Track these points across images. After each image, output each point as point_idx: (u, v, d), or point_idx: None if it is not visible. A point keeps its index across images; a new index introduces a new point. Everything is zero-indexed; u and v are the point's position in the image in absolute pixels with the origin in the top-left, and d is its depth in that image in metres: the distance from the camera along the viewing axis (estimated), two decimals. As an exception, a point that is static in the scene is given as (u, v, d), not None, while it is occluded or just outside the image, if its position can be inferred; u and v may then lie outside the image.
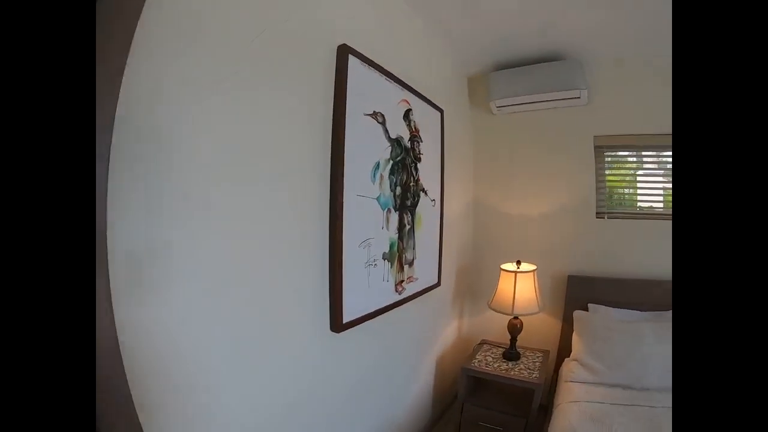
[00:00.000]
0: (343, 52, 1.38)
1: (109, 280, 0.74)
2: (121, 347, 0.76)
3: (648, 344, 1.83)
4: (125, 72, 0.74)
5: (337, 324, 1.40)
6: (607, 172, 2.37)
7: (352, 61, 1.41)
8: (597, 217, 2.31)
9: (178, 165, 0.93)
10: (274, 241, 1.19)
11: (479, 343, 2.39)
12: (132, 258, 0.84)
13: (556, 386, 1.98)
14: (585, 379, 1.87)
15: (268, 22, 1.14)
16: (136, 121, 0.83)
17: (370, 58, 1.52)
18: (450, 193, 2.31)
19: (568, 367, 1.97)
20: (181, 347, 0.96)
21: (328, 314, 1.40)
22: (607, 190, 2.38)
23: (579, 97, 2.24)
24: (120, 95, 0.74)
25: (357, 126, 1.44)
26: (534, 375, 1.98)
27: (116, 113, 0.72)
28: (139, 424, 0.80)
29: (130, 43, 0.76)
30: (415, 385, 2.10)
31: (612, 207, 2.37)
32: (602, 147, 2.34)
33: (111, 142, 0.71)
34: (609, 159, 2.38)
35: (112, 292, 0.75)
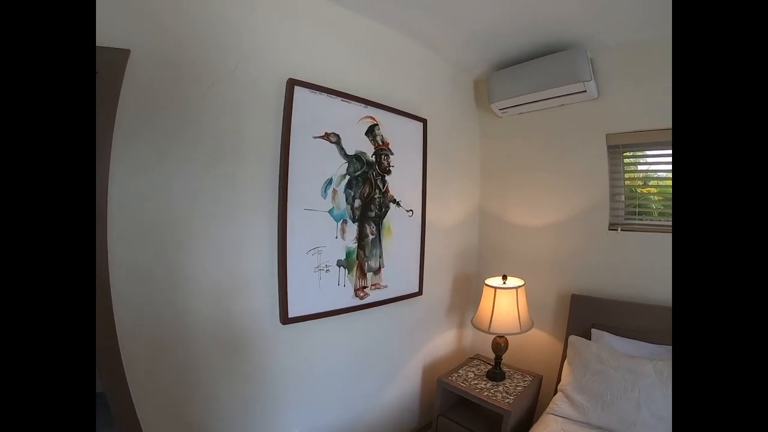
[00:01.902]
0: (290, 84, 1.60)
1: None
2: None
3: (646, 386, 1.55)
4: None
5: (284, 317, 1.64)
6: (625, 176, 2.04)
7: (300, 91, 1.62)
8: (609, 229, 2.01)
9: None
10: (241, 247, 1.53)
11: (472, 357, 2.31)
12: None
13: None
14: (567, 414, 1.69)
15: (222, 72, 1.45)
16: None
17: (325, 84, 1.71)
18: (444, 201, 2.30)
19: (554, 398, 1.81)
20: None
21: (278, 309, 1.65)
22: (623, 197, 2.05)
23: (585, 91, 1.98)
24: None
25: (305, 148, 1.65)
26: (508, 400, 1.85)
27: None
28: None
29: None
30: (391, 390, 2.16)
31: (628, 217, 2.03)
32: (617, 146, 2.02)
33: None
34: (626, 161, 2.04)
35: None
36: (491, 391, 1.94)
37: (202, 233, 1.43)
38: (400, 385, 2.22)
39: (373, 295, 1.95)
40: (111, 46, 1.29)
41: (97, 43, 1.28)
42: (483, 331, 1.97)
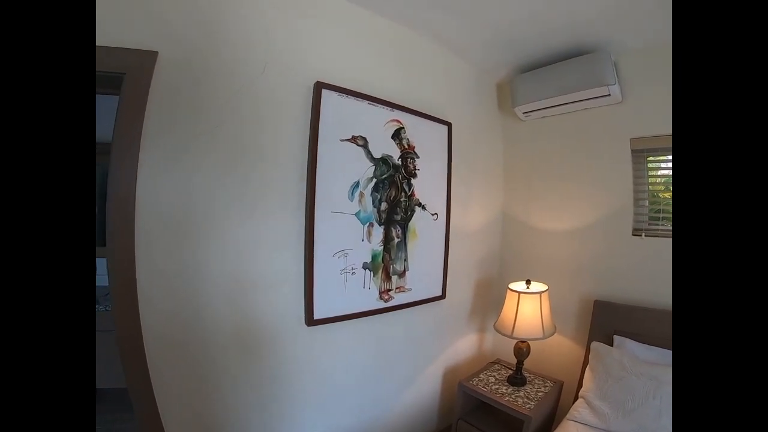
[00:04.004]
0: (318, 88, 1.61)
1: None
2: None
3: (667, 393, 1.53)
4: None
5: (309, 319, 1.65)
6: (649, 181, 2.04)
7: (327, 94, 1.63)
8: (633, 235, 2.00)
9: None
10: (268, 249, 1.55)
11: (492, 362, 2.31)
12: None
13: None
14: (587, 421, 1.68)
15: (251, 74, 1.47)
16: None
17: (352, 87, 1.72)
18: (467, 205, 2.30)
19: (575, 404, 1.80)
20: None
21: (303, 310, 1.66)
22: (647, 203, 2.05)
23: (609, 95, 1.97)
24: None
25: (332, 151, 1.66)
26: (529, 405, 1.85)
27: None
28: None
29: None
30: (411, 393, 2.16)
31: (652, 222, 2.03)
32: (641, 151, 2.02)
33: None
34: (649, 165, 2.03)
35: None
36: (512, 396, 1.93)
37: (228, 233, 1.44)
38: (421, 389, 2.22)
39: (398, 299, 1.95)
40: (139, 48, 1.31)
41: (126, 46, 1.31)
42: (506, 336, 1.97)
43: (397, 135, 1.91)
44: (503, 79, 2.50)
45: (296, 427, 1.70)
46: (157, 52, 1.31)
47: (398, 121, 1.91)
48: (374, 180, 1.81)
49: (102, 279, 2.73)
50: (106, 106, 2.83)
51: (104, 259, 2.83)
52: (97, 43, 1.27)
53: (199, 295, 1.39)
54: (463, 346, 2.44)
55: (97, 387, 2.57)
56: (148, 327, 1.30)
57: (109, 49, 1.30)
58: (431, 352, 2.25)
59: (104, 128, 2.83)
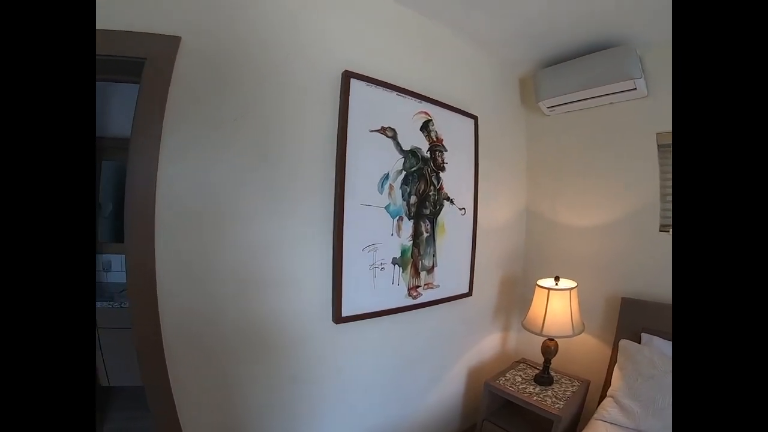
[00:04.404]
0: (346, 77, 1.56)
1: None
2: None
3: None
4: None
5: (337, 316, 1.59)
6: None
7: (356, 84, 1.58)
8: (660, 231, 1.97)
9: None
10: (293, 242, 1.49)
11: (517, 361, 2.26)
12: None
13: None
14: (617, 420, 1.64)
15: (277, 62, 1.42)
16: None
17: (380, 77, 1.67)
18: (492, 201, 2.26)
19: (603, 403, 1.76)
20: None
21: (331, 307, 1.60)
22: None
23: (635, 89, 1.94)
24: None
25: (362, 142, 1.60)
26: (558, 405, 1.80)
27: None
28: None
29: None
30: (436, 393, 2.12)
31: None
32: (667, 146, 1.97)
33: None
34: None
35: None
36: (540, 395, 1.89)
37: (252, 227, 1.39)
38: (445, 388, 2.17)
39: (426, 295, 1.90)
40: (161, 33, 1.26)
41: (147, 30, 1.24)
42: (534, 334, 1.92)
43: (426, 127, 1.86)
44: (526, 73, 2.47)
45: (319, 428, 1.65)
46: (180, 38, 1.25)
47: (426, 113, 1.86)
48: (403, 172, 1.76)
49: (118, 275, 2.68)
50: (124, 94, 2.75)
51: (121, 256, 2.76)
52: (117, 27, 1.21)
53: (221, 291, 1.34)
54: (487, 345, 2.40)
55: (112, 384, 2.51)
56: (167, 324, 1.24)
57: (129, 34, 1.24)
58: (456, 351, 2.20)
59: (122, 120, 2.75)
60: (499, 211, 2.34)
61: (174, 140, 1.22)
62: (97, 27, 1.21)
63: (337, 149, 1.56)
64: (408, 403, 1.98)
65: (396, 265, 1.76)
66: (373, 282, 1.68)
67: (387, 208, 1.70)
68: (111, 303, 2.35)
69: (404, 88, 1.76)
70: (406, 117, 1.79)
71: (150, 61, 1.26)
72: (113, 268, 2.71)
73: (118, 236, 2.75)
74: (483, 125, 2.17)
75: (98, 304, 2.32)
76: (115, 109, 2.64)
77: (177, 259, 1.25)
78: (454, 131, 1.99)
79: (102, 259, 2.70)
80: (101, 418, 2.41)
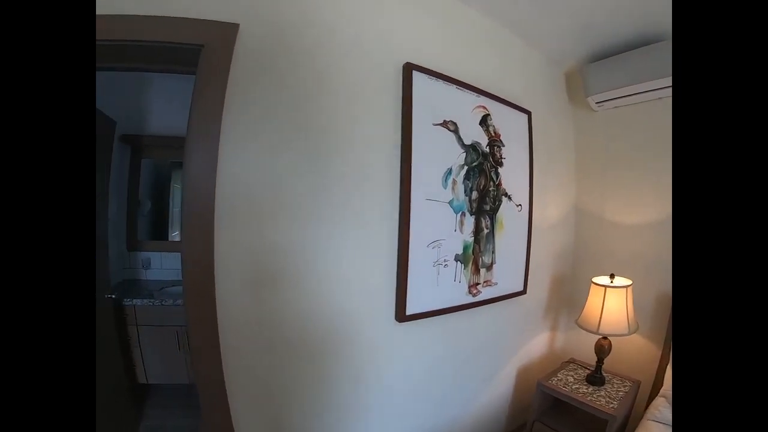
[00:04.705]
0: (408, 69, 1.53)
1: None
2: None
3: None
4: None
5: (400, 315, 1.55)
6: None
7: (417, 76, 1.55)
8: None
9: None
10: (355, 238, 1.45)
11: (567, 361, 2.19)
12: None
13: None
14: (670, 420, 1.57)
15: (336, 52, 1.39)
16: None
17: (439, 71, 1.63)
18: (544, 198, 2.20)
19: (655, 403, 1.70)
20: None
21: (394, 305, 1.56)
22: None
23: None
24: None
25: (426, 135, 1.57)
26: (612, 405, 1.74)
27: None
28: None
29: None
30: (487, 393, 2.07)
31: None
32: None
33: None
34: None
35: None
36: (593, 395, 1.83)
37: (313, 222, 1.35)
38: (495, 388, 2.11)
39: (485, 293, 1.85)
40: (220, 20, 1.23)
41: (207, 17, 1.22)
42: (590, 332, 1.85)
43: (484, 122, 1.82)
44: (572, 68, 2.41)
45: (374, 429, 1.61)
46: (238, 25, 1.22)
47: (484, 108, 1.82)
48: (465, 167, 1.72)
49: (157, 273, 2.68)
50: (161, 93, 2.76)
51: (160, 254, 2.75)
52: (172, 13, 1.20)
53: (279, 289, 1.31)
54: (536, 344, 2.33)
55: (150, 382, 2.52)
56: (223, 322, 1.21)
57: (185, 20, 1.22)
58: (508, 351, 2.15)
59: (160, 119, 2.77)
60: (551, 207, 2.28)
61: (233, 132, 1.20)
62: (151, 13, 1.20)
63: (401, 143, 1.53)
64: (462, 404, 1.94)
65: (458, 262, 1.71)
66: (436, 279, 1.64)
67: (450, 203, 1.66)
68: (152, 300, 2.35)
69: (463, 82, 1.72)
70: (466, 111, 1.75)
71: (208, 48, 1.22)
72: (152, 265, 2.72)
73: (155, 234, 2.77)
74: (534, 120, 2.12)
75: (138, 302, 2.33)
76: (153, 107, 2.66)
77: (234, 256, 1.22)
78: (509, 126, 1.95)
79: (141, 256, 2.71)
80: (138, 415, 2.41)
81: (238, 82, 1.20)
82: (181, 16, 1.16)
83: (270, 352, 1.31)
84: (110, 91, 2.24)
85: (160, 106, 2.59)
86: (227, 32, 1.24)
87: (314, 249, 1.35)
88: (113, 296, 2.05)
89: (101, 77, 1.95)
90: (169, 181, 2.76)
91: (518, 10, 1.84)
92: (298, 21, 1.30)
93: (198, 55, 1.27)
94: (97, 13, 1.14)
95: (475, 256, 1.78)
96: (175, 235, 2.73)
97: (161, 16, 1.20)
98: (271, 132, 1.26)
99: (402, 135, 1.53)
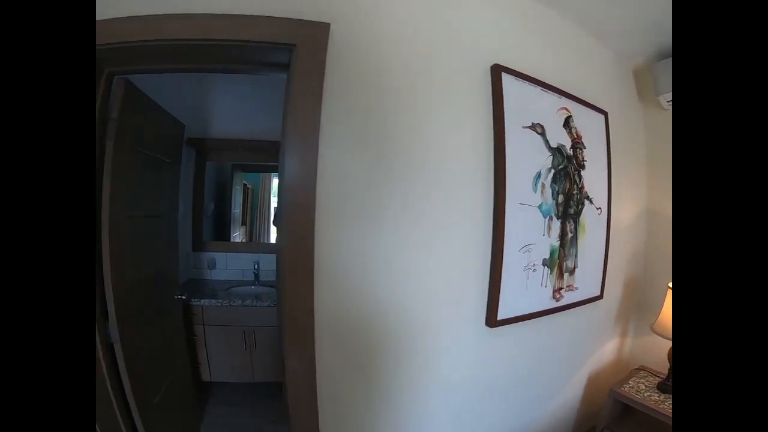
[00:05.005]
0: (496, 71, 1.51)
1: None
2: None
3: None
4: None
5: (491, 320, 1.54)
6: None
7: (506, 78, 1.53)
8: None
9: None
10: (447, 242, 1.45)
11: (636, 369, 2.14)
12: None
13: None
14: None
15: (429, 55, 1.39)
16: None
17: (524, 72, 1.60)
18: (618, 200, 2.16)
19: None
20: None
21: (485, 310, 1.56)
22: None
23: None
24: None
25: (517, 139, 1.55)
26: None
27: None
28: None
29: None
30: (558, 399, 2.04)
31: None
32: None
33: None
34: None
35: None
36: (666, 404, 1.79)
37: (403, 226, 1.35)
38: (566, 395, 2.08)
39: (566, 298, 1.82)
40: (308, 19, 1.22)
41: (297, 16, 1.21)
42: (667, 339, 1.81)
43: (567, 123, 1.79)
44: (641, 65, 2.35)
45: None
46: (329, 24, 1.21)
47: (567, 109, 1.79)
48: (552, 171, 1.69)
49: (222, 273, 2.71)
50: (223, 98, 2.78)
51: (226, 254, 2.77)
52: (260, 12, 1.19)
53: (373, 291, 1.32)
54: (607, 350, 2.29)
55: (213, 380, 2.57)
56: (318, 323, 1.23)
57: (276, 19, 1.21)
58: (581, 356, 2.12)
59: (222, 122, 2.81)
60: (625, 210, 2.24)
61: (329, 132, 1.21)
62: (240, 12, 1.20)
63: (494, 146, 1.51)
64: (534, 410, 1.93)
65: (545, 266, 1.69)
66: (525, 284, 1.62)
67: (540, 207, 1.64)
68: (220, 301, 2.37)
69: (546, 83, 1.69)
70: (550, 113, 1.72)
71: (301, 47, 1.22)
72: (218, 266, 2.76)
73: (218, 234, 2.80)
74: (609, 121, 2.08)
75: (204, 302, 2.37)
76: (214, 110, 2.68)
77: (332, 252, 1.24)
78: (589, 127, 1.91)
79: (206, 257, 2.74)
80: (200, 413, 2.45)
81: (331, 83, 1.21)
82: (270, 15, 1.18)
83: (360, 354, 1.33)
84: (176, 94, 2.26)
85: (223, 108, 2.62)
86: (319, 31, 1.24)
87: (406, 253, 1.37)
88: (183, 297, 2.08)
89: (168, 81, 1.97)
90: (230, 182, 2.79)
91: (590, 7, 1.79)
92: (385, 21, 1.30)
93: (266, 54, 1.32)
94: (188, 12, 1.17)
95: (560, 260, 1.76)
96: (236, 235, 2.77)
97: (251, 15, 1.21)
98: (364, 135, 1.27)
99: (495, 139, 1.51)
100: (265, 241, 2.89)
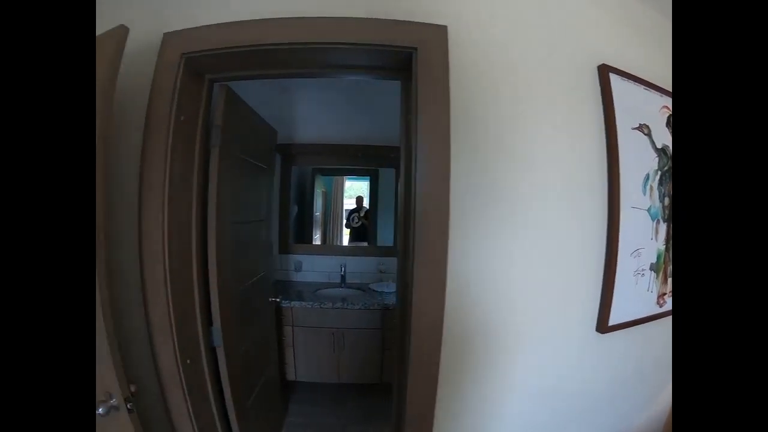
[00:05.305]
0: (604, 71, 1.48)
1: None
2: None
3: None
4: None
5: (602, 326, 1.51)
6: None
7: (613, 78, 1.50)
8: None
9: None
10: (561, 247, 1.46)
11: None
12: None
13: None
14: None
15: (537, 57, 1.39)
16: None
17: (627, 70, 1.56)
18: (709, 201, 2.09)
19: None
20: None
21: (596, 315, 1.53)
22: None
23: None
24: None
25: (626, 140, 1.52)
26: None
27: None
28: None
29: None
30: (648, 411, 1.97)
31: None
32: None
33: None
34: None
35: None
36: None
37: (517, 230, 1.37)
38: (655, 407, 2.01)
39: (668, 303, 1.78)
40: (425, 22, 1.22)
41: (416, 19, 1.21)
42: None
43: (670, 123, 1.74)
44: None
45: None
46: (446, 27, 1.22)
47: (668, 108, 1.74)
48: (659, 173, 1.65)
49: (309, 275, 2.78)
50: (305, 105, 2.85)
51: (312, 256, 2.83)
52: (376, 15, 1.19)
53: (485, 296, 1.35)
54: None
55: (298, 379, 2.63)
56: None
57: (395, 22, 1.22)
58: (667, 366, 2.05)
59: (305, 128, 2.89)
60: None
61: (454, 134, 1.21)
62: (356, 15, 1.21)
63: (607, 149, 1.49)
64: (619, 425, 1.86)
65: (652, 271, 1.65)
66: (634, 289, 1.59)
67: (648, 210, 1.60)
68: (311, 303, 2.42)
69: (649, 81, 1.65)
70: (654, 112, 1.67)
71: (422, 50, 1.23)
72: (304, 267, 2.83)
73: (301, 237, 2.87)
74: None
75: (292, 303, 2.42)
76: (297, 116, 2.75)
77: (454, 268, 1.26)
78: (687, 127, 1.85)
79: (292, 259, 2.82)
80: (283, 412, 2.51)
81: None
82: (386, 18, 1.20)
83: (471, 359, 1.35)
84: (263, 101, 2.33)
85: (306, 114, 2.69)
86: (438, 34, 1.24)
87: (509, 264, 1.38)
88: (277, 300, 2.14)
89: (255, 87, 2.02)
90: (312, 186, 2.85)
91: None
92: (498, 24, 1.32)
93: (373, 58, 1.34)
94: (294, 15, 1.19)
95: (665, 264, 1.71)
96: (316, 238, 2.83)
97: (368, 18, 1.22)
98: (482, 139, 1.29)
99: (607, 142, 1.48)
100: (339, 244, 2.91)
